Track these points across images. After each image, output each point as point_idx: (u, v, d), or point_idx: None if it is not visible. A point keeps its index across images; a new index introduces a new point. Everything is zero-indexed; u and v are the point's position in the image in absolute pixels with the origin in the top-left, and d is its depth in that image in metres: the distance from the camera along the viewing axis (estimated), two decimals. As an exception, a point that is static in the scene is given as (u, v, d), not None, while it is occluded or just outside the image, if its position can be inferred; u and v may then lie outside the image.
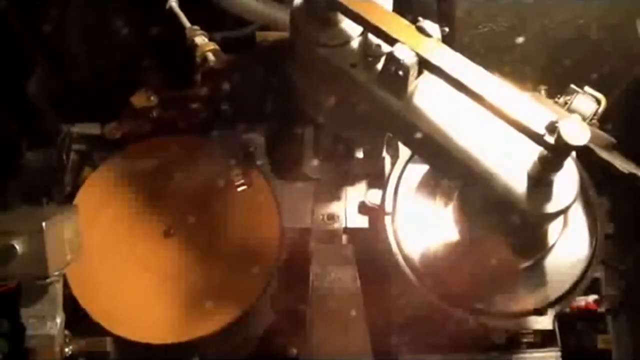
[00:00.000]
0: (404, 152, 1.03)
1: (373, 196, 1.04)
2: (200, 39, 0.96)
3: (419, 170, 1.02)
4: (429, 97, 0.74)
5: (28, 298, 0.88)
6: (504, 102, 0.67)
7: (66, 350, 0.92)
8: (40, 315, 0.88)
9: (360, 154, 1.04)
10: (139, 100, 1.09)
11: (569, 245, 0.96)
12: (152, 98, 1.09)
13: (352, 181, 1.08)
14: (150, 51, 1.16)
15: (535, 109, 0.67)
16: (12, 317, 0.94)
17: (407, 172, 1.02)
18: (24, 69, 1.17)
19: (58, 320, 0.88)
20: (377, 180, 1.05)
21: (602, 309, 1.06)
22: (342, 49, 0.75)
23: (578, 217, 0.98)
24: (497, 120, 0.68)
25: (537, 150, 0.67)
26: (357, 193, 1.07)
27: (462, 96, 0.69)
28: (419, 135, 0.74)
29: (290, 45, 0.84)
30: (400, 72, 0.70)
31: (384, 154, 1.05)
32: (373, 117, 0.82)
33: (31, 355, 0.89)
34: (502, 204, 0.70)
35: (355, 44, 0.75)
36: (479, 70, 0.70)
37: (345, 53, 0.75)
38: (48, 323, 0.88)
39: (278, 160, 1.10)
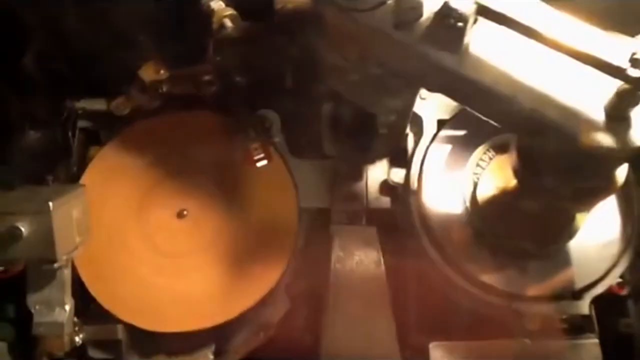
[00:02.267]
0: (429, 128, 0.99)
1: (396, 175, 1.00)
2: (217, 4, 0.90)
3: (444, 148, 0.99)
4: (486, 47, 0.68)
5: (34, 283, 0.83)
6: (578, 39, 0.62)
7: (76, 339, 0.87)
8: (48, 301, 0.83)
9: (382, 130, 0.99)
10: (148, 73, 1.02)
11: (604, 228, 0.93)
12: (161, 71, 1.02)
13: (373, 159, 1.03)
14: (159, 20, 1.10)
15: (612, 42, 0.62)
16: (18, 302, 0.89)
17: (432, 149, 0.99)
18: (20, 43, 1.11)
19: (67, 307, 0.83)
20: (400, 158, 1.01)
21: (625, 292, 1.02)
22: (379, 11, 0.69)
23: (612, 199, 0.94)
24: (564, 59, 0.63)
25: (613, 85, 0.63)
26: (378, 172, 1.02)
27: (522, 39, 0.64)
28: (479, 89, 0.68)
29: (314, 12, 0.78)
30: (459, 24, 0.64)
31: (408, 130, 1.00)
32: (419, 79, 0.76)
33: (39, 344, 0.85)
34: (576, 148, 0.65)
35: (391, 2, 0.70)
36: (545, 7, 0.64)
37: (382, 15, 0.69)
38: (56, 309, 0.83)
39: (295, 137, 1.04)
